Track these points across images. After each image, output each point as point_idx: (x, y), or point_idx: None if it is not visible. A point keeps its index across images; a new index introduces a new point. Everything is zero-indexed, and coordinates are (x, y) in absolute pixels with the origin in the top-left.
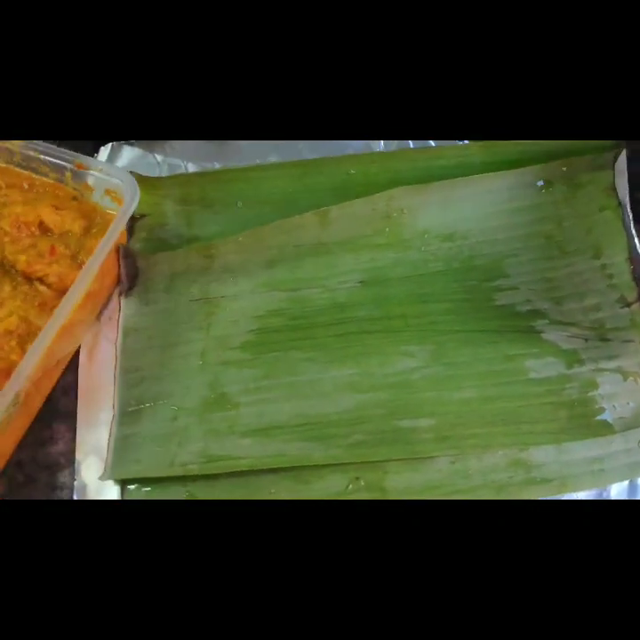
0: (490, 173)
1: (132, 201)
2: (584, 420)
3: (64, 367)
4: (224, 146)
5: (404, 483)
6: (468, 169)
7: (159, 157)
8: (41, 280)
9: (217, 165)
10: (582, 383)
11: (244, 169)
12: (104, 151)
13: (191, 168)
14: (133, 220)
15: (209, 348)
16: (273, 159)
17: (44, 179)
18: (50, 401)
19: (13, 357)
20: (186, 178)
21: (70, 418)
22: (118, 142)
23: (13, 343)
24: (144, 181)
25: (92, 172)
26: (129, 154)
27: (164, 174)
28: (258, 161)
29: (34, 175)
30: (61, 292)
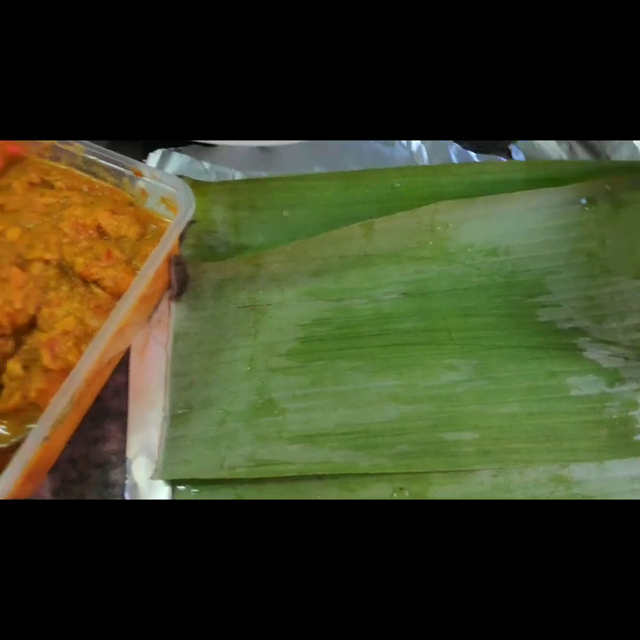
0: (534, 190)
1: (187, 210)
2: (625, 440)
3: (114, 367)
4: (270, 155)
5: (447, 494)
6: (510, 185)
7: (207, 165)
8: (97, 283)
9: (263, 174)
10: (623, 402)
11: (290, 178)
12: (153, 157)
13: (238, 176)
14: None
15: (256, 355)
16: (318, 170)
17: (103, 183)
18: (101, 400)
19: (70, 357)
20: (234, 185)
21: (121, 418)
22: (167, 149)
23: (70, 344)
24: (194, 186)
25: (148, 179)
26: (177, 160)
27: (212, 181)
28: (303, 171)
29: (93, 179)
30: (116, 295)
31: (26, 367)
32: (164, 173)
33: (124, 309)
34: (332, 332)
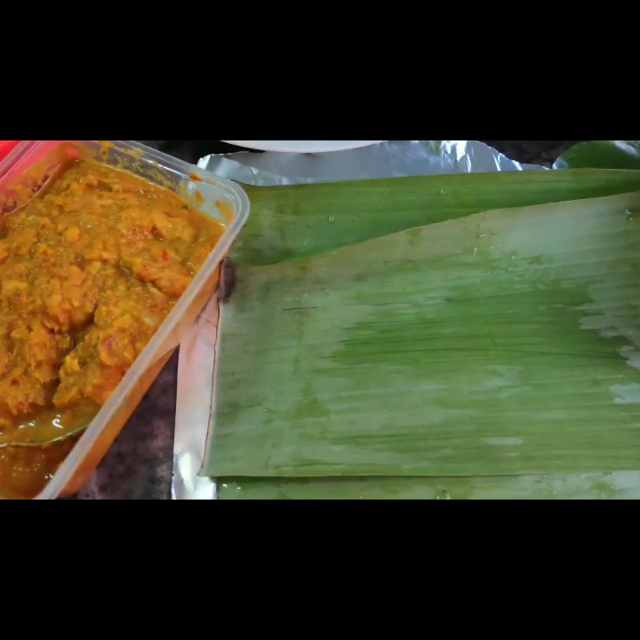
0: (579, 200)
1: (243, 214)
2: None
3: (163, 365)
4: (317, 161)
5: (489, 499)
6: (556, 194)
7: (254, 170)
8: (153, 283)
9: (309, 180)
10: None
11: (336, 184)
12: (202, 162)
13: (284, 181)
14: None
15: (301, 356)
16: (363, 176)
17: (159, 186)
18: (149, 398)
19: (126, 354)
20: (281, 190)
21: (169, 415)
22: (217, 154)
23: (126, 341)
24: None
25: (204, 183)
26: (226, 166)
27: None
28: (348, 178)
29: (149, 182)
30: (171, 295)
31: (83, 363)
32: (221, 178)
33: (182, 309)
34: (376, 336)
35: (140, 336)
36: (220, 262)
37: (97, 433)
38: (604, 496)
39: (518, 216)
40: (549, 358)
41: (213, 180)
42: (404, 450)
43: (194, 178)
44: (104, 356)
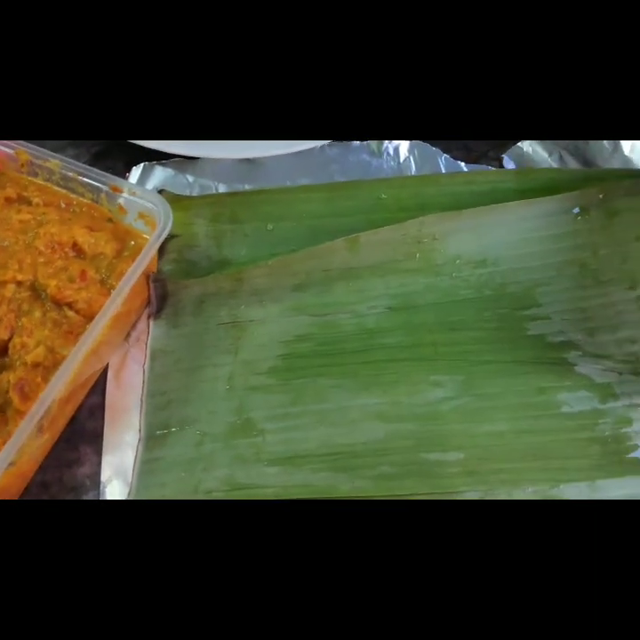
0: (524, 200)
1: (164, 227)
2: (617, 457)
3: (89, 388)
4: (255, 167)
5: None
6: (499, 195)
7: (190, 178)
8: (70, 306)
9: (247, 187)
10: (616, 419)
11: (274, 191)
12: (136, 171)
13: (221, 188)
14: (165, 241)
15: (236, 373)
16: (303, 181)
17: (81, 199)
18: (76, 422)
19: (41, 395)
20: (217, 198)
21: (97, 439)
22: (150, 162)
23: (39, 379)
24: (176, 200)
25: (126, 194)
26: (161, 174)
27: (195, 195)
28: (288, 183)
29: (71, 195)
30: (89, 317)
31: (2, 412)
32: (142, 189)
33: (95, 333)
34: (315, 349)
35: (56, 368)
36: (148, 277)
37: (4, 465)
38: None
39: (460, 219)
40: (494, 367)
41: (135, 191)
42: (341, 469)
43: (115, 189)
44: (17, 401)
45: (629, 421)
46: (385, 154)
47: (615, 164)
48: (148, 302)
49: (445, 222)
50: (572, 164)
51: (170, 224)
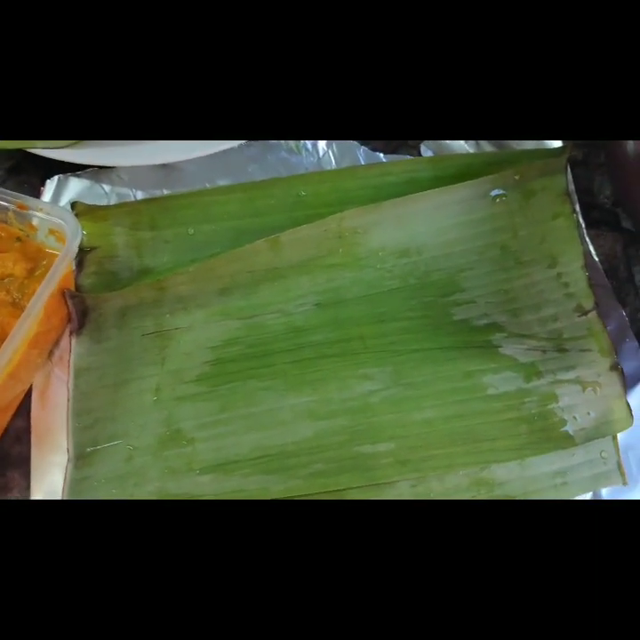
0: (440, 188)
1: (72, 242)
2: (545, 434)
3: (13, 412)
4: (172, 171)
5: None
6: (417, 184)
7: (107, 188)
8: None
9: (166, 192)
10: (541, 396)
11: (192, 194)
12: (50, 184)
13: (140, 196)
14: (83, 254)
15: (163, 384)
16: (222, 182)
17: None
18: (1, 448)
19: None
20: (134, 206)
21: (24, 463)
22: (65, 174)
23: None
24: (91, 212)
25: (33, 211)
26: (76, 186)
27: (112, 204)
28: (207, 185)
29: None
30: (2, 341)
31: None
32: (50, 204)
33: (6, 356)
34: (244, 352)
35: None
36: (64, 294)
37: None
38: (483, 491)
39: (380, 211)
40: (421, 355)
41: (42, 208)
42: (273, 471)
43: (21, 207)
44: None
45: (555, 397)
46: (303, 150)
47: (529, 143)
48: (69, 319)
49: (366, 215)
50: (488, 147)
51: (78, 238)
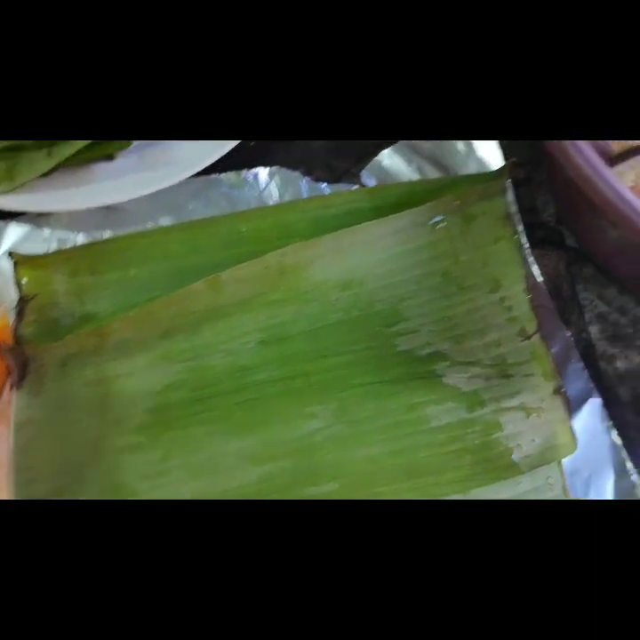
0: (380, 219)
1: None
2: (489, 464)
3: None
4: (114, 212)
5: None
6: (358, 215)
7: (47, 232)
8: None
9: (109, 233)
10: (485, 426)
11: (132, 236)
12: None
13: (81, 239)
14: (23, 303)
15: (104, 435)
16: (164, 220)
17: None
18: None
19: None
20: (73, 252)
21: None
22: (4, 220)
23: None
24: (30, 261)
25: None
26: (15, 232)
27: (53, 249)
28: (150, 223)
29: None
30: None
31: None
32: None
33: None
34: (187, 396)
35: None
36: (1, 347)
37: None
38: None
39: (321, 245)
40: (363, 389)
41: None
42: None
43: None
44: None
45: (499, 426)
46: (246, 184)
47: (471, 166)
48: (9, 372)
49: (306, 250)
50: (432, 172)
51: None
